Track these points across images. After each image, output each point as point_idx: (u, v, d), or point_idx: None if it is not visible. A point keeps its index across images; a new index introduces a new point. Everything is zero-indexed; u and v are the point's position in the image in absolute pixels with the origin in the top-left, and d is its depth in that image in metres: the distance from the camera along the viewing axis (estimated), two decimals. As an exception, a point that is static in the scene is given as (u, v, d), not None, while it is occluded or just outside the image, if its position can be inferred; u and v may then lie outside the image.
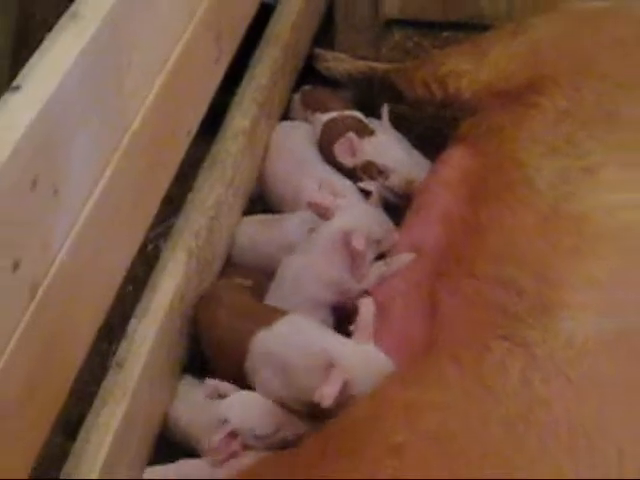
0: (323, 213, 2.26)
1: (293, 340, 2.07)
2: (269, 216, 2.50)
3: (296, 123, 2.73)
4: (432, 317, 2.10)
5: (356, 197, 2.48)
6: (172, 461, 2.06)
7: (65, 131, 1.56)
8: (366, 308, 2.11)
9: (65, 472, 1.77)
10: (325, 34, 3.07)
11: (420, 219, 2.35)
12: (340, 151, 2.54)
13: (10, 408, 1.46)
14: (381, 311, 2.16)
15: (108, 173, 1.72)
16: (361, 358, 2.03)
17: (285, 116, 2.78)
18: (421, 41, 3.14)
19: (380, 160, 2.53)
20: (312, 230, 2.30)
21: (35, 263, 1.51)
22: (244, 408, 2.06)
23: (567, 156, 2.18)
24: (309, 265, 2.20)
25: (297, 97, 2.83)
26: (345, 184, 2.51)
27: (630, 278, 1.94)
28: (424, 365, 1.97)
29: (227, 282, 2.30)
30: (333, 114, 2.66)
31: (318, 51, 3.01)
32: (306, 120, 2.75)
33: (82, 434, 1.83)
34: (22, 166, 1.44)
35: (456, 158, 2.40)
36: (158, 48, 1.92)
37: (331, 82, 2.98)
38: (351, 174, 2.56)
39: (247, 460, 2.02)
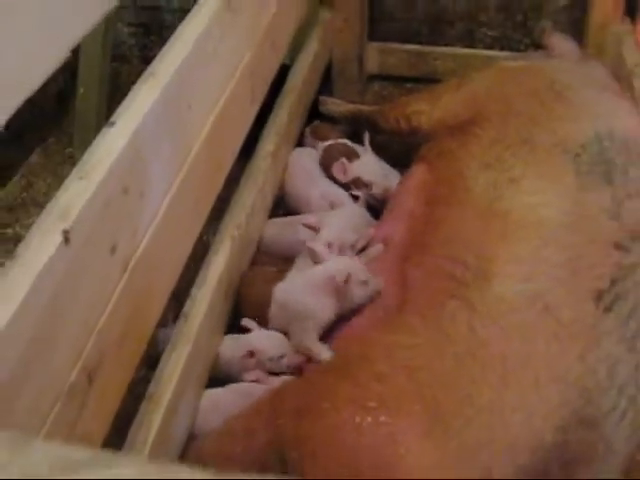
0: (313, 230, 2.28)
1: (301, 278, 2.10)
2: (287, 218, 2.48)
3: (306, 149, 2.72)
4: (402, 287, 2.08)
5: (348, 201, 2.49)
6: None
7: (146, 154, 1.54)
8: (317, 247, 2.16)
9: (148, 393, 1.75)
10: (325, 85, 3.03)
11: (391, 218, 2.34)
12: (336, 171, 2.55)
13: (110, 352, 1.45)
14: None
15: (177, 183, 1.70)
16: (348, 264, 2.11)
17: (299, 143, 2.76)
18: (393, 90, 3.12)
19: (365, 176, 2.54)
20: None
21: (127, 247, 1.50)
22: (266, 338, 2.08)
23: (496, 170, 2.17)
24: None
25: (308, 130, 2.82)
26: (340, 192, 2.53)
27: (543, 256, 1.92)
28: (398, 319, 1.95)
29: (259, 268, 2.29)
30: (330, 142, 2.66)
31: (322, 98, 2.99)
32: (314, 147, 2.72)
33: (160, 368, 1.81)
34: (117, 179, 1.43)
35: (418, 173, 2.39)
36: (210, 95, 1.89)
37: (330, 119, 2.94)
38: (345, 185, 2.56)
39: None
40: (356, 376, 1.81)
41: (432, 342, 1.82)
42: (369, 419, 1.72)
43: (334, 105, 2.98)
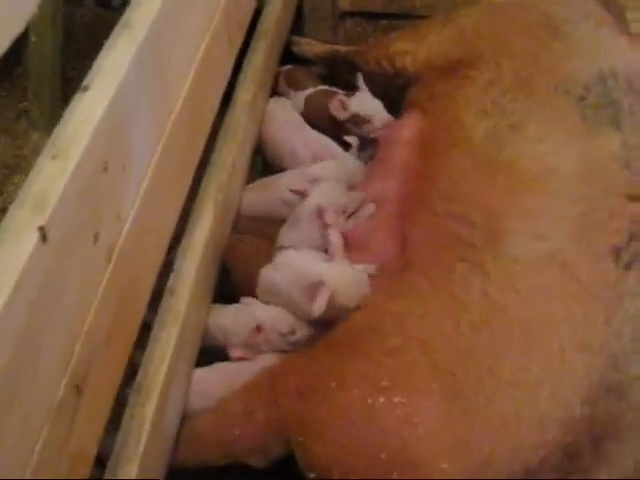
0: (301, 195, 2.04)
1: (288, 268, 1.85)
2: (266, 179, 2.23)
3: (282, 99, 2.46)
4: (402, 246, 1.87)
5: (336, 149, 2.26)
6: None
7: (126, 121, 1.30)
8: (334, 237, 1.90)
9: (137, 383, 1.54)
10: (296, 25, 2.76)
11: (382, 172, 2.10)
12: (335, 108, 2.29)
13: (98, 357, 1.25)
14: (360, 246, 1.94)
15: (159, 150, 1.47)
16: (341, 275, 1.79)
17: (274, 91, 2.51)
18: (367, 28, 2.84)
19: (364, 111, 2.29)
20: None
21: (110, 232, 1.27)
22: (272, 311, 1.85)
23: (495, 116, 1.96)
24: (297, 239, 1.98)
25: (281, 76, 2.55)
26: (328, 141, 2.29)
27: (554, 210, 1.73)
28: (403, 283, 1.75)
29: (248, 239, 2.04)
30: (310, 90, 2.42)
31: (294, 38, 2.73)
32: (287, 95, 2.48)
33: (148, 352, 1.60)
34: (96, 155, 1.19)
35: (409, 121, 2.16)
36: (188, 47, 1.64)
37: (304, 61, 2.68)
38: (331, 133, 2.31)
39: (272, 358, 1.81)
40: (365, 351, 1.62)
41: (445, 310, 1.63)
42: (382, 399, 1.54)
43: (308, 46, 2.72)
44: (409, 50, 2.37)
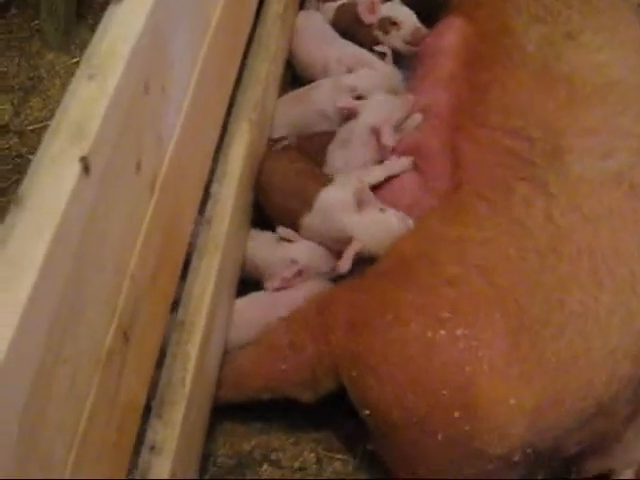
0: (352, 113, 1.86)
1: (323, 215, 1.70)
2: (299, 90, 2.05)
3: (311, 12, 2.27)
4: (453, 162, 1.71)
5: (371, 59, 2.06)
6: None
7: (166, 35, 1.13)
8: (375, 175, 1.74)
9: (178, 320, 1.41)
10: None
11: (427, 83, 1.92)
12: (363, 10, 2.13)
13: (144, 297, 1.12)
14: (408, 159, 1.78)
15: (199, 67, 1.31)
16: (373, 229, 1.65)
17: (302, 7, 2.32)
18: None
19: (394, 15, 2.11)
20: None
21: (152, 159, 1.12)
22: (310, 251, 1.69)
23: (549, 23, 1.78)
24: (350, 158, 1.81)
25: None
26: (362, 52, 2.09)
27: (619, 125, 1.58)
28: (458, 204, 1.60)
29: (278, 155, 1.85)
30: (341, 1, 2.23)
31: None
32: (317, 9, 2.28)
33: (187, 287, 1.46)
34: (137, 74, 1.03)
35: (454, 27, 1.96)
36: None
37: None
38: (363, 43, 2.13)
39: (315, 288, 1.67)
40: (422, 281, 1.48)
41: (507, 235, 1.48)
42: (442, 332, 1.41)
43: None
44: (450, -47, 2.17)
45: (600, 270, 1.42)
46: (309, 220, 1.70)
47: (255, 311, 1.69)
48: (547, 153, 1.57)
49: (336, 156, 1.81)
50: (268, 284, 1.69)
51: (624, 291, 1.40)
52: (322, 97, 1.95)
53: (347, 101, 1.86)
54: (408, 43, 2.09)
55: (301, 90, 2.04)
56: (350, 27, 2.17)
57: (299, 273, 1.67)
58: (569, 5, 1.79)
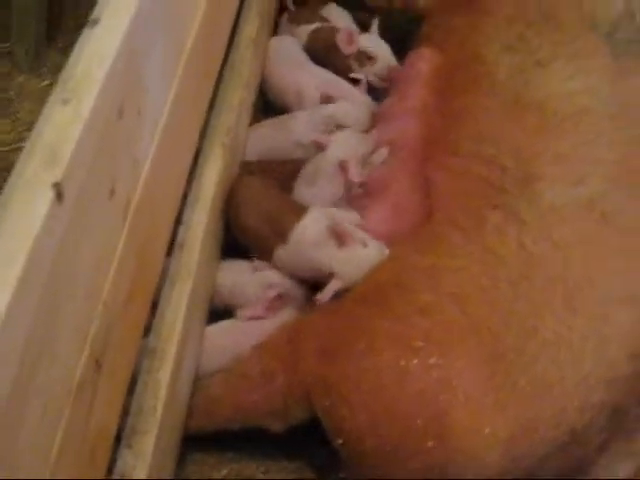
0: (321, 147, 1.85)
1: (305, 253, 1.66)
2: (275, 119, 2.05)
3: (284, 36, 2.28)
4: (424, 192, 1.71)
5: (346, 87, 2.07)
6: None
7: (141, 58, 1.12)
8: (349, 217, 1.72)
9: (149, 347, 1.39)
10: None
11: (400, 111, 1.92)
12: (342, 40, 2.13)
13: (119, 305, 1.10)
14: (377, 193, 1.77)
15: (174, 89, 1.30)
16: (354, 264, 1.62)
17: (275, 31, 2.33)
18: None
19: (371, 48, 2.13)
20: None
21: (127, 185, 1.10)
22: (286, 277, 1.68)
23: (520, 52, 1.79)
24: (317, 194, 1.79)
25: (284, 17, 2.36)
26: (337, 79, 2.10)
27: (591, 153, 1.59)
28: (431, 234, 1.60)
29: (251, 179, 1.82)
30: (316, 25, 2.24)
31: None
32: (291, 34, 2.29)
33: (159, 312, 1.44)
34: (112, 97, 1.02)
35: (425, 56, 1.98)
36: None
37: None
38: (337, 71, 2.13)
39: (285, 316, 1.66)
40: (395, 309, 1.48)
41: (480, 264, 1.48)
42: (416, 361, 1.40)
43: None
44: (419, -18, 2.19)
45: (573, 298, 1.42)
46: (283, 252, 1.67)
47: (227, 338, 1.67)
48: (519, 181, 1.57)
49: (303, 193, 1.79)
50: (244, 311, 1.67)
51: (596, 318, 1.41)
52: (299, 128, 1.94)
53: (318, 136, 1.86)
54: (380, 78, 2.11)
55: (278, 118, 2.03)
56: (324, 53, 2.17)
57: (277, 298, 1.66)
58: (539, 33, 1.81)
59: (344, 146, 1.81)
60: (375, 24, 2.16)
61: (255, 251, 1.72)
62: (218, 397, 1.59)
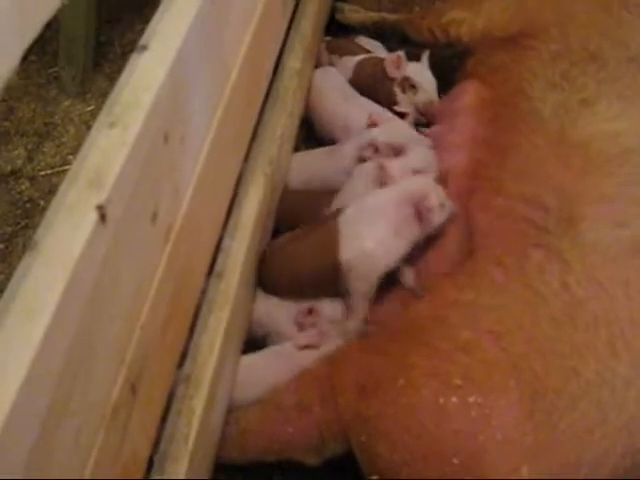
0: (386, 180, 1.82)
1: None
2: (322, 148, 2.05)
3: (328, 68, 2.28)
4: (467, 229, 1.70)
5: (390, 116, 2.09)
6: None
7: (187, 85, 1.14)
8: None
9: (184, 374, 1.39)
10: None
11: (451, 144, 1.91)
12: (390, 63, 2.14)
13: (157, 330, 1.10)
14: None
15: (218, 116, 1.31)
16: None
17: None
18: (412, -6, 2.65)
19: (415, 77, 2.14)
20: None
21: (169, 210, 1.11)
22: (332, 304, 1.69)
23: (565, 90, 1.78)
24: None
25: (322, 46, 2.36)
26: (382, 109, 2.10)
27: (634, 194, 1.56)
28: (472, 270, 1.58)
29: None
30: (361, 56, 2.24)
31: (337, 4, 2.54)
32: (331, 64, 2.30)
33: (195, 340, 1.44)
34: (158, 123, 1.03)
35: (470, 90, 1.97)
36: (246, 6, 1.46)
37: (347, 30, 2.49)
38: (380, 101, 2.14)
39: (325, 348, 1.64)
40: (434, 345, 1.46)
41: (521, 302, 1.46)
42: (455, 399, 1.38)
43: (352, 13, 2.53)
44: (465, 19, 2.18)
45: (617, 341, 1.39)
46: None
47: (265, 369, 1.66)
48: (562, 221, 1.55)
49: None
50: (299, 340, 1.66)
51: (640, 363, 1.38)
52: (347, 156, 1.94)
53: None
54: (418, 112, 2.12)
55: (326, 147, 2.04)
56: (370, 82, 2.17)
57: (312, 314, 1.65)
58: (585, 72, 1.80)
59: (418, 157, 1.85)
60: (426, 55, 2.15)
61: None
62: (252, 428, 1.58)
